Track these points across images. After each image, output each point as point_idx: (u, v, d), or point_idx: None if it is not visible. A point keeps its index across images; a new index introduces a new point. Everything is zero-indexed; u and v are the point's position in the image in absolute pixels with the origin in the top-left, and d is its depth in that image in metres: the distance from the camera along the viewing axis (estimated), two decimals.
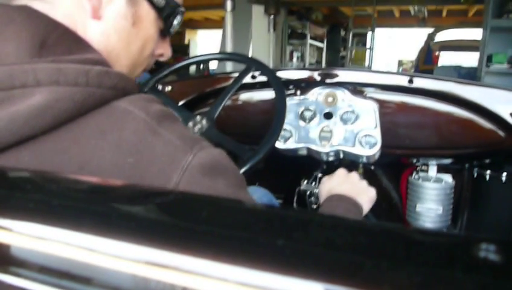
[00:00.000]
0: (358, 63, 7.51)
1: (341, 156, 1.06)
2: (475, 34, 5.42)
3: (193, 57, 1.07)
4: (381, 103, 1.06)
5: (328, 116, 1.06)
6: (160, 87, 1.19)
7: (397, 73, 1.27)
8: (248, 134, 1.18)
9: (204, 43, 9.29)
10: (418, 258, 0.22)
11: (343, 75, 1.09)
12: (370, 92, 1.09)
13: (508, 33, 3.37)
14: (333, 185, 0.89)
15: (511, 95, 1.00)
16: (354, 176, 0.90)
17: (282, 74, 1.12)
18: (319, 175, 1.09)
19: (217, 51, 4.37)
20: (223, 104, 0.90)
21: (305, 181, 1.11)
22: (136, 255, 0.23)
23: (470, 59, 5.61)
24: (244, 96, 1.21)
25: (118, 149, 0.40)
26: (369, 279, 0.21)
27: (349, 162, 1.11)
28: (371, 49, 6.43)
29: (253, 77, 1.13)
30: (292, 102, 1.09)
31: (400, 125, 1.08)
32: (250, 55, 1.28)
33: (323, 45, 7.49)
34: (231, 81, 0.95)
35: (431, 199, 1.15)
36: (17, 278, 0.25)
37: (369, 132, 1.02)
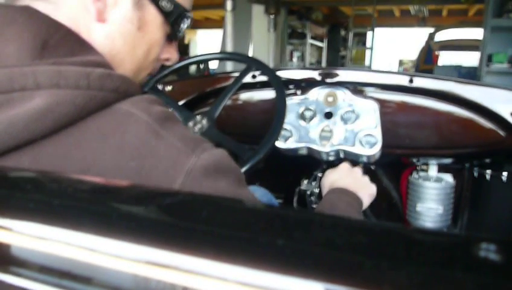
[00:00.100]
0: (359, 62, 7.52)
1: (341, 155, 1.06)
2: (475, 33, 5.42)
3: (193, 57, 1.07)
4: (382, 103, 1.06)
5: (329, 115, 1.06)
6: (160, 87, 1.19)
7: (397, 72, 1.26)
8: (248, 134, 1.18)
9: (204, 43, 9.29)
10: (418, 258, 0.22)
11: (344, 74, 1.09)
12: (370, 91, 1.09)
13: (508, 32, 3.37)
14: (336, 177, 0.90)
15: (511, 94, 1.00)
16: (357, 171, 0.93)
17: (283, 74, 1.12)
18: (319, 175, 1.09)
19: (217, 50, 4.37)
20: (223, 104, 0.90)
21: (306, 181, 1.11)
22: (136, 255, 0.23)
23: (470, 59, 5.62)
24: (245, 96, 1.21)
25: (120, 153, 0.40)
26: (369, 279, 0.21)
27: (350, 162, 1.11)
28: (371, 48, 6.43)
29: (254, 77, 1.13)
30: (292, 102, 1.09)
31: (400, 124, 1.08)
32: (250, 55, 1.28)
33: (324, 45, 7.50)
34: (231, 81, 0.95)
35: (431, 198, 1.15)
36: (18, 278, 0.25)
37: (369, 131, 1.02)
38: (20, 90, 0.38)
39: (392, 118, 1.07)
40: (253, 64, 0.94)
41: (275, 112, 0.83)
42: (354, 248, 0.24)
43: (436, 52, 5.89)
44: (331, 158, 1.08)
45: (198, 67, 5.58)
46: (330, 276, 0.21)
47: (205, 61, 1.49)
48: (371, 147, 1.01)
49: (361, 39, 7.65)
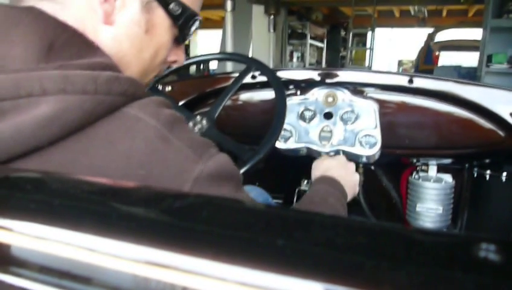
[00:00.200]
0: (358, 63, 7.52)
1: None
2: (475, 34, 5.43)
3: (193, 57, 1.07)
4: (381, 103, 1.06)
5: (328, 116, 1.06)
6: (160, 87, 1.19)
7: (397, 73, 1.27)
8: (248, 134, 1.18)
9: (204, 43, 9.29)
10: (418, 258, 0.22)
11: (343, 75, 1.09)
12: (370, 92, 1.09)
13: (508, 33, 3.37)
14: (333, 165, 0.92)
15: (511, 95, 1.00)
16: (352, 166, 0.94)
17: (282, 74, 1.12)
18: None
19: (217, 51, 4.37)
20: (223, 104, 0.90)
21: (305, 181, 1.11)
22: (136, 255, 0.23)
23: (470, 59, 5.61)
24: (244, 96, 1.21)
25: (128, 160, 0.40)
26: (369, 279, 0.21)
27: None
28: (371, 49, 6.43)
29: (254, 77, 1.13)
30: (292, 102, 1.09)
31: (400, 125, 1.08)
32: (250, 55, 1.28)
33: (323, 45, 7.50)
34: (231, 81, 0.95)
35: (431, 198, 1.15)
36: (18, 278, 0.25)
37: (369, 131, 1.02)
38: (26, 96, 0.37)
39: (391, 118, 1.07)
40: (253, 64, 0.94)
41: (274, 113, 0.83)
42: (354, 248, 0.24)
43: (436, 53, 5.89)
44: None
45: (198, 67, 5.58)
46: (330, 276, 0.21)
47: (205, 62, 1.49)
48: (370, 147, 1.02)
49: (361, 39, 7.66)
